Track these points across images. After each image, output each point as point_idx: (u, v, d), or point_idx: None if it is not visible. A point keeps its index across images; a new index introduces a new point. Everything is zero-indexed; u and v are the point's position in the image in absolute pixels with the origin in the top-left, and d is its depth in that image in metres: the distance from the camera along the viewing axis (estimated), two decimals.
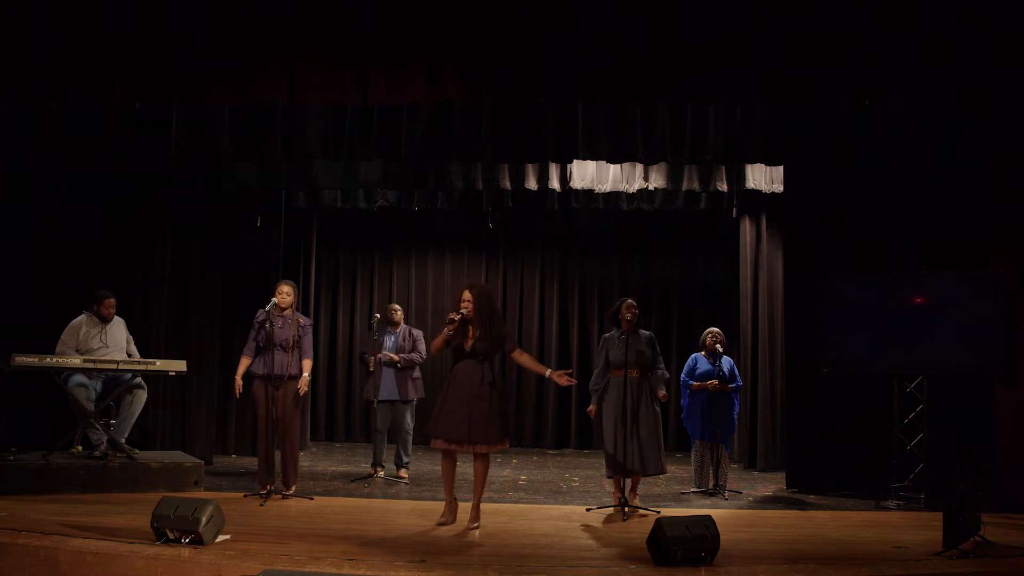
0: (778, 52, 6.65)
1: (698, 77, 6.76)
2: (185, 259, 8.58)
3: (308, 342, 7.16)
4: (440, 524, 6.07)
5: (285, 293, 7.07)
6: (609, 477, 6.95)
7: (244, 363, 7.08)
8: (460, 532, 5.93)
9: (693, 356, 7.97)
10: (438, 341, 6.08)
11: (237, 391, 7.09)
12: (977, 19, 6.56)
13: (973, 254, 7.38)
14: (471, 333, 6.00)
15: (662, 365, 6.95)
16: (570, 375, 6.13)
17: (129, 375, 7.37)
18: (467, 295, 6.06)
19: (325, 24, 6.76)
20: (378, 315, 8.44)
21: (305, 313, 10.37)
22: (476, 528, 5.99)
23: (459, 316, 5.93)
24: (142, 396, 7.53)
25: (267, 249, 9.83)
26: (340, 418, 11.64)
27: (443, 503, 6.20)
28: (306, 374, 7.08)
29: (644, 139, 8.04)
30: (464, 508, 6.18)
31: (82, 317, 7.52)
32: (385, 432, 8.25)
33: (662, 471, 6.88)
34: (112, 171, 8.25)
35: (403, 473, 8.19)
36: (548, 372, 6.14)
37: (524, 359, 6.24)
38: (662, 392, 6.89)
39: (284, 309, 7.04)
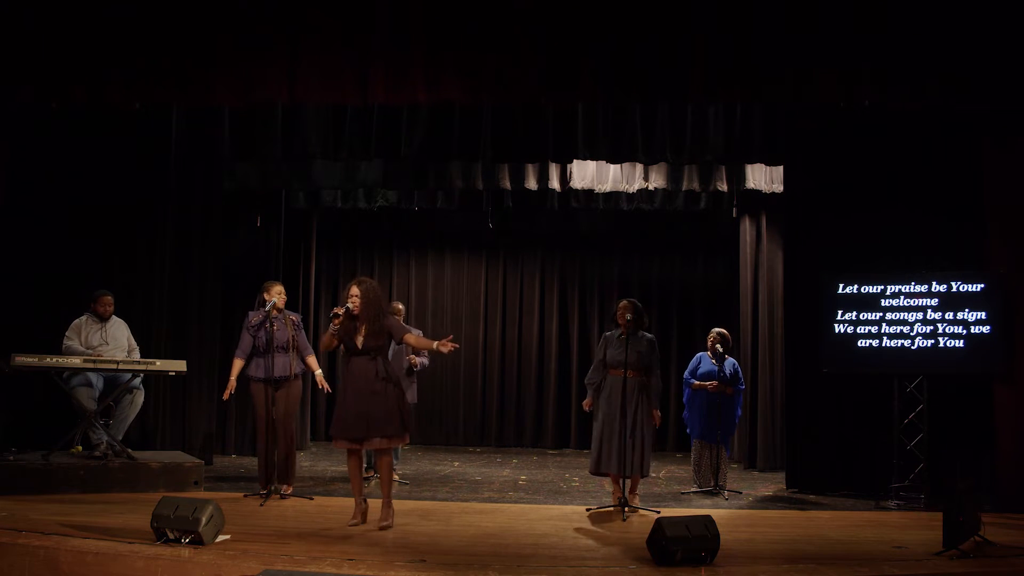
0: (778, 52, 6.65)
1: (698, 77, 6.76)
2: (185, 259, 8.57)
3: (304, 339, 7.22)
4: (350, 526, 5.92)
5: (283, 293, 7.09)
6: (592, 473, 6.95)
7: (237, 364, 7.08)
8: (460, 532, 5.93)
9: (698, 355, 7.96)
10: (326, 338, 6.02)
11: (228, 391, 7.10)
12: (980, 20, 6.56)
13: (973, 254, 7.38)
14: (360, 330, 5.97)
15: (658, 372, 6.90)
16: (453, 340, 6.08)
17: (129, 375, 7.37)
18: (355, 290, 6.02)
19: (325, 24, 6.76)
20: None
21: (305, 313, 10.39)
22: (387, 527, 5.89)
23: (343, 310, 5.92)
24: (140, 399, 7.53)
25: (267, 249, 9.83)
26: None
27: (443, 503, 6.19)
28: (319, 371, 7.25)
29: (644, 139, 8.05)
30: (374, 507, 6.09)
31: (83, 317, 7.54)
32: None
33: (644, 475, 6.85)
34: (112, 171, 8.24)
35: (395, 475, 8.17)
36: (435, 344, 6.05)
37: (414, 339, 6.22)
38: (656, 412, 6.83)
39: (280, 310, 7.06)
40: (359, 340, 5.96)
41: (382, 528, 5.87)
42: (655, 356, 6.86)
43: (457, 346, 6.09)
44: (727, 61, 6.65)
